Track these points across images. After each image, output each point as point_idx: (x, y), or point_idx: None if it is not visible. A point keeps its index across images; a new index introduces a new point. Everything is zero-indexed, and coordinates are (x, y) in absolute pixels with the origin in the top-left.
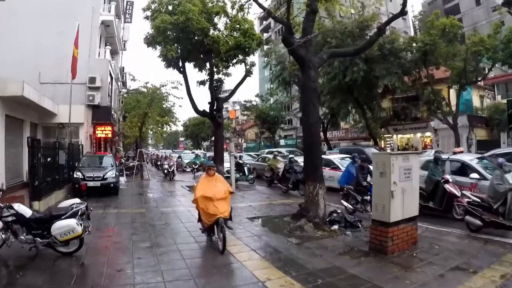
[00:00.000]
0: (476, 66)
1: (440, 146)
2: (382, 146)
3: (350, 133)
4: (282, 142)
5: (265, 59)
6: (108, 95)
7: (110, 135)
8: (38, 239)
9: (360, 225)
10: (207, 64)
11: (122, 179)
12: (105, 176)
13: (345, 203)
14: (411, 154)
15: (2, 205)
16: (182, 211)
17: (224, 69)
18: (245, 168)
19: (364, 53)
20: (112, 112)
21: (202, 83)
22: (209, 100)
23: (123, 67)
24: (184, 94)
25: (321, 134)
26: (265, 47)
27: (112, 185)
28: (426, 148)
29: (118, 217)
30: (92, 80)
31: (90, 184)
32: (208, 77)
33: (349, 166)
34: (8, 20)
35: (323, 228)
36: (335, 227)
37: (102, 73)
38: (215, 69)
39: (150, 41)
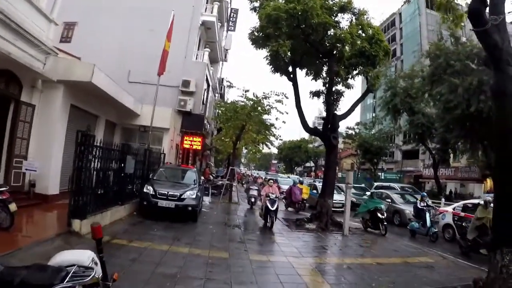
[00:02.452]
0: None
1: None
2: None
3: (460, 173)
4: (381, 175)
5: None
6: (202, 103)
7: (199, 147)
8: None
9: None
10: (324, 71)
11: (207, 199)
12: (182, 196)
13: None
14: None
15: None
16: (282, 264)
17: (344, 81)
18: (427, 215)
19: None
20: (205, 122)
21: (316, 94)
22: (323, 116)
23: (222, 79)
24: (290, 108)
25: (431, 170)
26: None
27: (190, 208)
28: None
29: (186, 263)
30: (186, 83)
31: (162, 204)
32: (325, 87)
33: None
34: (98, 16)
35: None
36: None
37: (198, 77)
38: (335, 79)
39: (257, 38)
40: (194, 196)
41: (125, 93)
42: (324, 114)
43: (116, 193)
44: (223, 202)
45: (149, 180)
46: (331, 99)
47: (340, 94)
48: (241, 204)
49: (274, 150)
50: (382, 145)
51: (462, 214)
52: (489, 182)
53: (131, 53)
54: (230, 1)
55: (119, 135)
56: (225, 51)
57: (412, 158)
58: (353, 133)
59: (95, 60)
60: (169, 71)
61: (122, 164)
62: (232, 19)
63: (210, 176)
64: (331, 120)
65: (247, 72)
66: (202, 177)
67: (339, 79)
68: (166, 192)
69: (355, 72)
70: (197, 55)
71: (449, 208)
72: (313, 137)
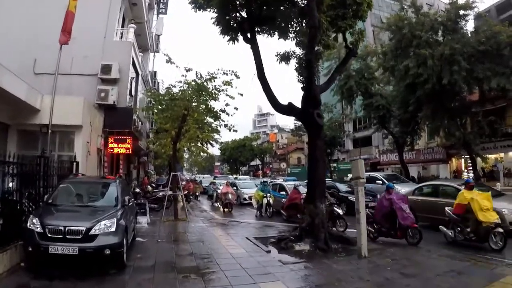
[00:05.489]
0: None
1: None
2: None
3: (423, 155)
4: (336, 166)
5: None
6: (130, 95)
7: (129, 151)
8: None
9: None
10: (292, 30)
11: (144, 221)
12: (92, 231)
13: None
14: None
15: None
16: None
17: (324, 36)
18: None
19: (467, 49)
20: (135, 118)
21: (285, 57)
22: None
23: (155, 72)
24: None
25: (389, 156)
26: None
27: (108, 251)
28: None
29: None
30: (106, 69)
31: (57, 249)
32: (300, 47)
33: None
34: None
35: None
36: None
37: (122, 61)
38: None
39: None
40: (113, 229)
41: (8, 73)
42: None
43: None
44: (168, 221)
45: (37, 208)
46: (313, 58)
47: (318, 55)
48: (192, 221)
49: (217, 152)
50: (335, 134)
51: None
52: (454, 162)
53: (39, 38)
54: None
55: (14, 141)
56: (156, 38)
57: (365, 145)
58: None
59: None
60: (86, 56)
61: None
62: (163, 0)
63: (149, 186)
64: (313, 91)
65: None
66: (138, 189)
67: (324, 35)
68: (61, 228)
69: (333, 29)
70: (121, 34)
71: None
72: (255, 134)
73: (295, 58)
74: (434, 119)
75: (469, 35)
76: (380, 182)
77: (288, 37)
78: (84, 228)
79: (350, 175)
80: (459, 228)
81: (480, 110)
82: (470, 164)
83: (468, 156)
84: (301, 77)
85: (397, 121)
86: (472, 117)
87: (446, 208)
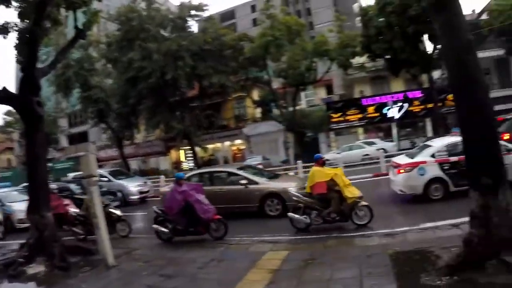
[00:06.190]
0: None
1: (254, 154)
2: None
3: (142, 148)
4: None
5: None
6: None
7: None
8: None
9: None
10: None
11: None
12: None
13: None
14: None
15: None
16: None
17: (55, 12)
18: None
19: (193, 47)
20: None
21: (4, 30)
22: (23, 66)
23: None
24: None
25: (107, 152)
26: None
27: None
28: (236, 157)
29: None
30: None
31: None
32: (24, 20)
33: None
34: None
35: None
36: None
37: None
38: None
39: None
40: None
41: None
42: None
43: None
44: None
45: None
46: (38, 31)
47: (45, 31)
48: None
49: None
50: (50, 130)
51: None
52: (173, 154)
53: None
54: None
55: None
56: None
57: (81, 141)
58: (13, 119)
59: None
60: None
61: None
62: None
63: None
64: (34, 73)
65: None
66: None
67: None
68: None
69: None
70: None
71: (427, 158)
72: None
73: (17, 33)
74: (155, 112)
75: (197, 34)
76: (106, 179)
77: (11, 6)
78: None
79: (70, 175)
80: (316, 212)
81: (200, 105)
82: (190, 155)
83: (188, 147)
84: (21, 56)
85: (115, 115)
86: (192, 111)
87: (292, 191)
